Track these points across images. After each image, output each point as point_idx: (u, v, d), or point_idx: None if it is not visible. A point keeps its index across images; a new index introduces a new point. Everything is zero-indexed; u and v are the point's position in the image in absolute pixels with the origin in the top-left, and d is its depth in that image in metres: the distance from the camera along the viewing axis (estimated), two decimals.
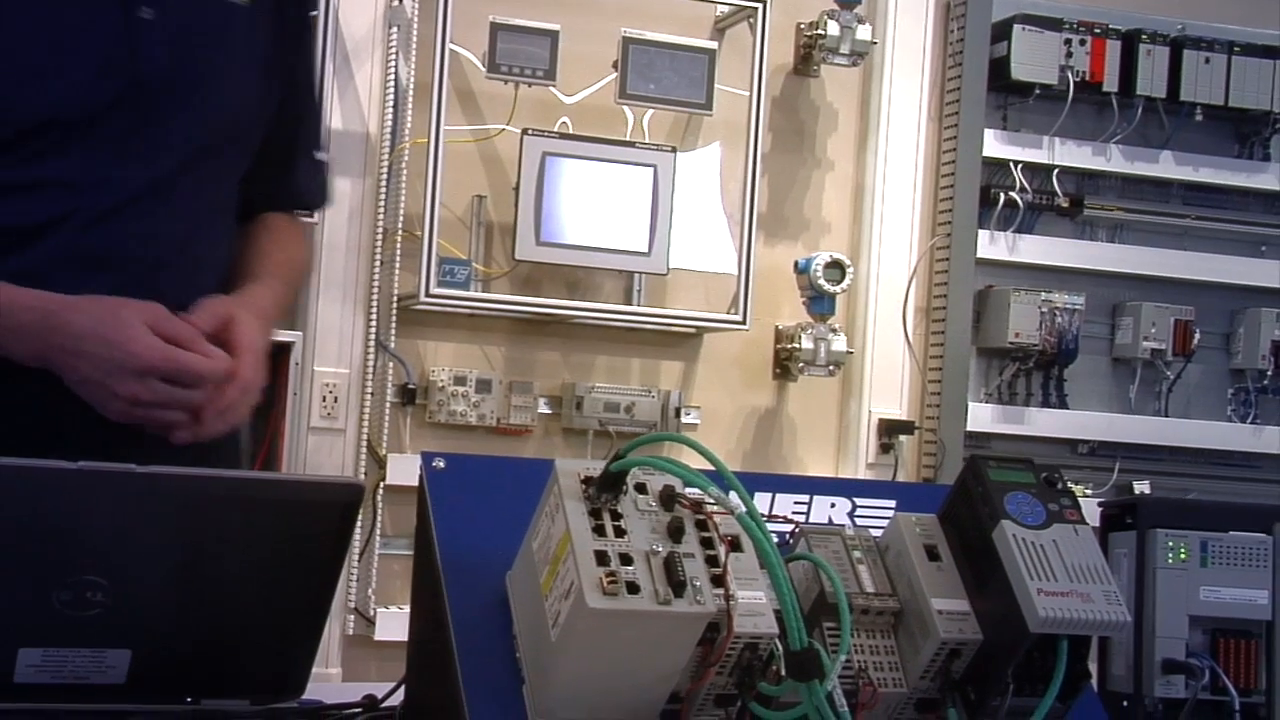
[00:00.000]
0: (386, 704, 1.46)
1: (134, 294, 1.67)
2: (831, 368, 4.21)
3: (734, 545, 1.27)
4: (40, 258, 1.69)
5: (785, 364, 4.27)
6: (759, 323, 4.20)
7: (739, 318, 4.10)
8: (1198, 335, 4.54)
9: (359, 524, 3.84)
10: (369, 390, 3.94)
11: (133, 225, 1.73)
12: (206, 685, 1.38)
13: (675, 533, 1.25)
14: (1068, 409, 4.49)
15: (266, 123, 1.88)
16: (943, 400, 4.34)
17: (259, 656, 1.39)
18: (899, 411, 4.35)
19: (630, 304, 4.19)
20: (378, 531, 3.95)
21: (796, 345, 4.19)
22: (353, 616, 3.93)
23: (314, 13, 1.97)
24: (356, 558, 3.91)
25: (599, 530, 1.24)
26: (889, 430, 4.31)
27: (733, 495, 1.24)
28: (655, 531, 1.25)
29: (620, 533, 1.25)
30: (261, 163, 1.90)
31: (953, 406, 4.33)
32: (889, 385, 4.35)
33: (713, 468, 1.26)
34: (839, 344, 4.19)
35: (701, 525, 1.27)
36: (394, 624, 3.85)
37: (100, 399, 1.62)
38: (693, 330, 4.26)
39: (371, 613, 3.93)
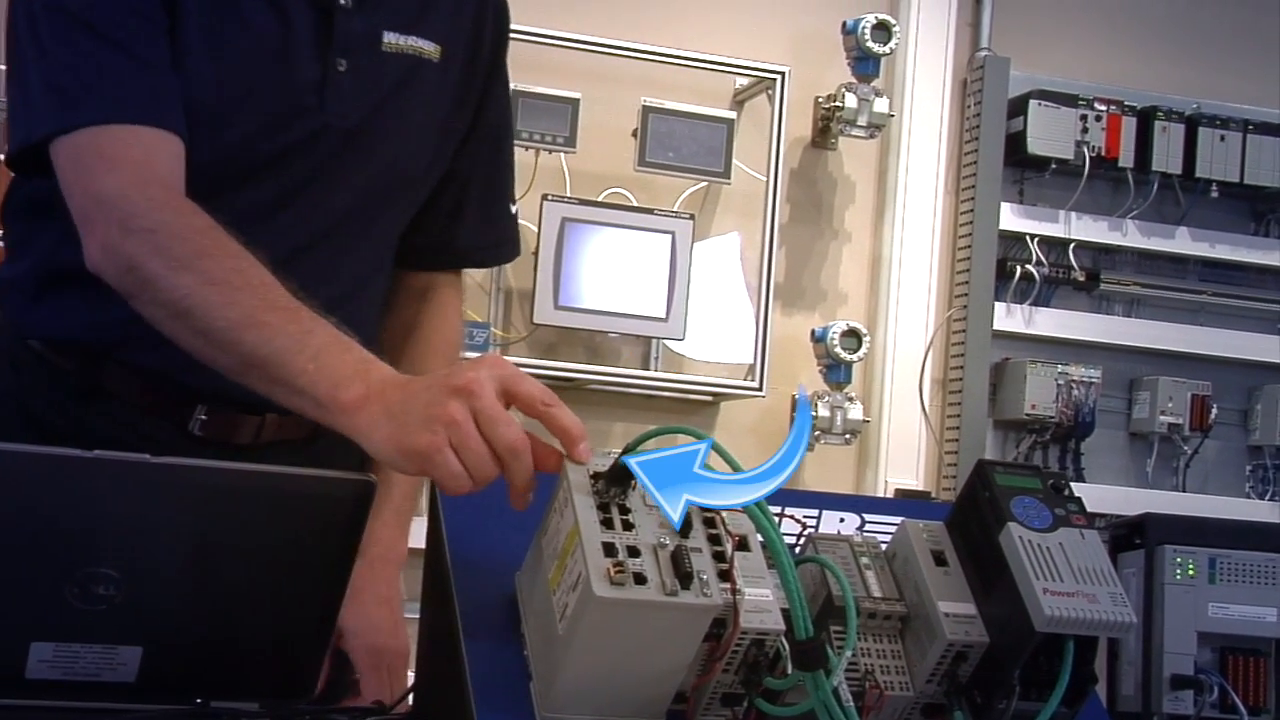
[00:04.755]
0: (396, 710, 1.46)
1: None
2: (848, 436, 4.21)
3: (741, 544, 1.28)
4: None
5: None
6: (776, 391, 4.22)
7: (756, 385, 4.12)
8: (1215, 411, 4.54)
9: None
10: None
11: (291, 279, 1.70)
12: (216, 686, 1.38)
13: (683, 527, 1.26)
14: (1085, 482, 4.48)
15: (435, 178, 1.87)
16: (959, 471, 4.33)
17: (268, 656, 1.39)
18: (915, 482, 4.35)
19: (648, 370, 4.21)
20: None
21: (813, 414, 4.20)
22: None
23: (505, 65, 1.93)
24: None
25: (607, 523, 1.25)
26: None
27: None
28: (663, 526, 1.26)
29: (628, 526, 1.26)
30: (456, 214, 1.90)
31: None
32: (905, 455, 4.35)
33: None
34: (855, 413, 4.20)
35: (709, 522, 1.28)
36: None
37: (403, 431, 1.31)
38: (710, 398, 4.28)
39: None
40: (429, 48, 1.79)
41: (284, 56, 1.71)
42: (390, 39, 1.76)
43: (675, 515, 1.23)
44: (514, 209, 1.99)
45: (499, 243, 1.99)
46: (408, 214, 1.86)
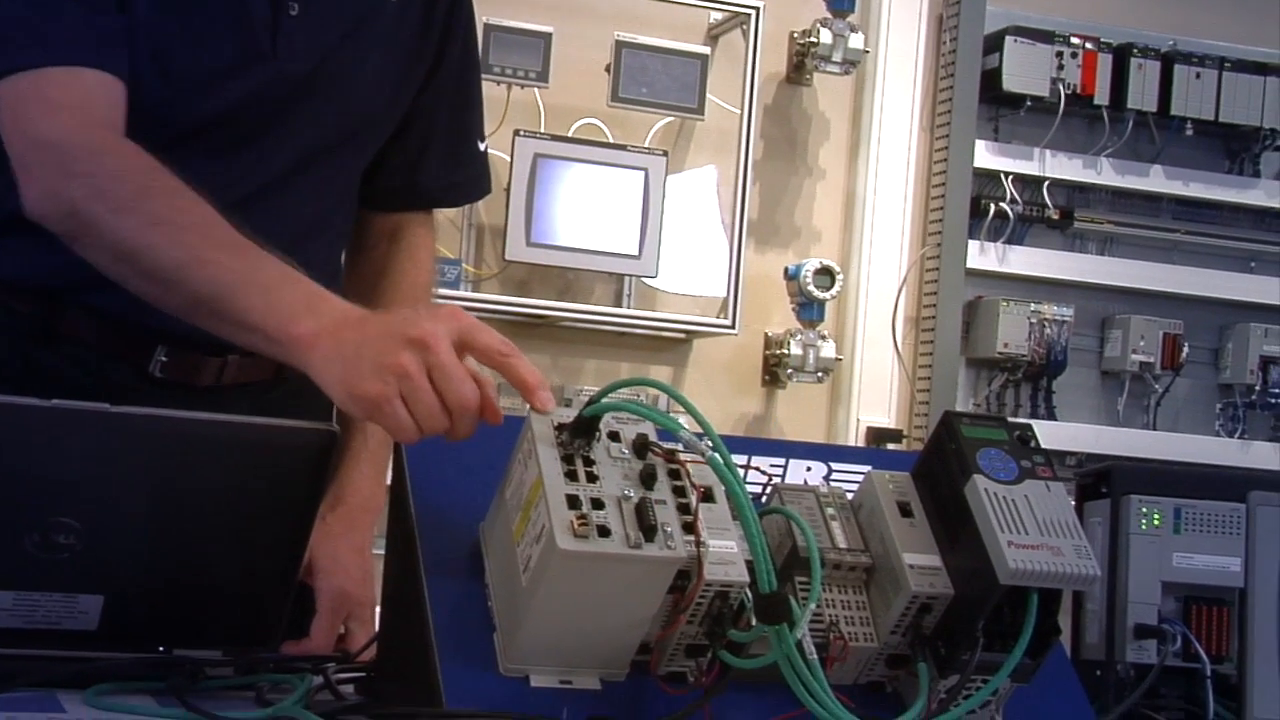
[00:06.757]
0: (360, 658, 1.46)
1: None
2: (820, 374, 4.21)
3: (706, 495, 1.28)
4: None
5: (774, 370, 4.28)
6: (749, 329, 4.22)
7: (729, 323, 4.11)
8: (1186, 349, 4.55)
9: None
10: None
11: (244, 223, 1.69)
12: (178, 634, 1.38)
13: (647, 479, 1.26)
14: (1056, 420, 4.50)
15: (395, 120, 1.84)
16: (931, 409, 4.34)
17: (231, 605, 1.39)
18: (887, 420, 4.36)
19: (621, 307, 4.20)
20: None
21: (785, 351, 4.20)
22: None
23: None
24: None
25: (571, 475, 1.25)
26: (877, 438, 4.31)
27: (705, 440, 1.25)
28: (627, 478, 1.26)
29: (592, 478, 1.25)
30: (422, 153, 1.88)
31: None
32: (877, 393, 4.36)
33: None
34: (828, 351, 4.20)
35: (674, 474, 1.28)
36: None
37: (356, 376, 1.29)
38: (682, 335, 4.27)
39: None
40: None
41: (235, 2, 1.68)
42: None
43: None
44: (483, 146, 1.96)
45: (467, 181, 1.97)
46: (367, 155, 1.84)
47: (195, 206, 1.49)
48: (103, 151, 1.56)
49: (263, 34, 1.69)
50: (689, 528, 1.24)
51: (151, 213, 1.50)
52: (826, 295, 4.15)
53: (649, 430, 1.29)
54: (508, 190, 3.93)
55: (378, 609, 1.52)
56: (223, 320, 1.44)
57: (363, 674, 1.42)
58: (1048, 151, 4.48)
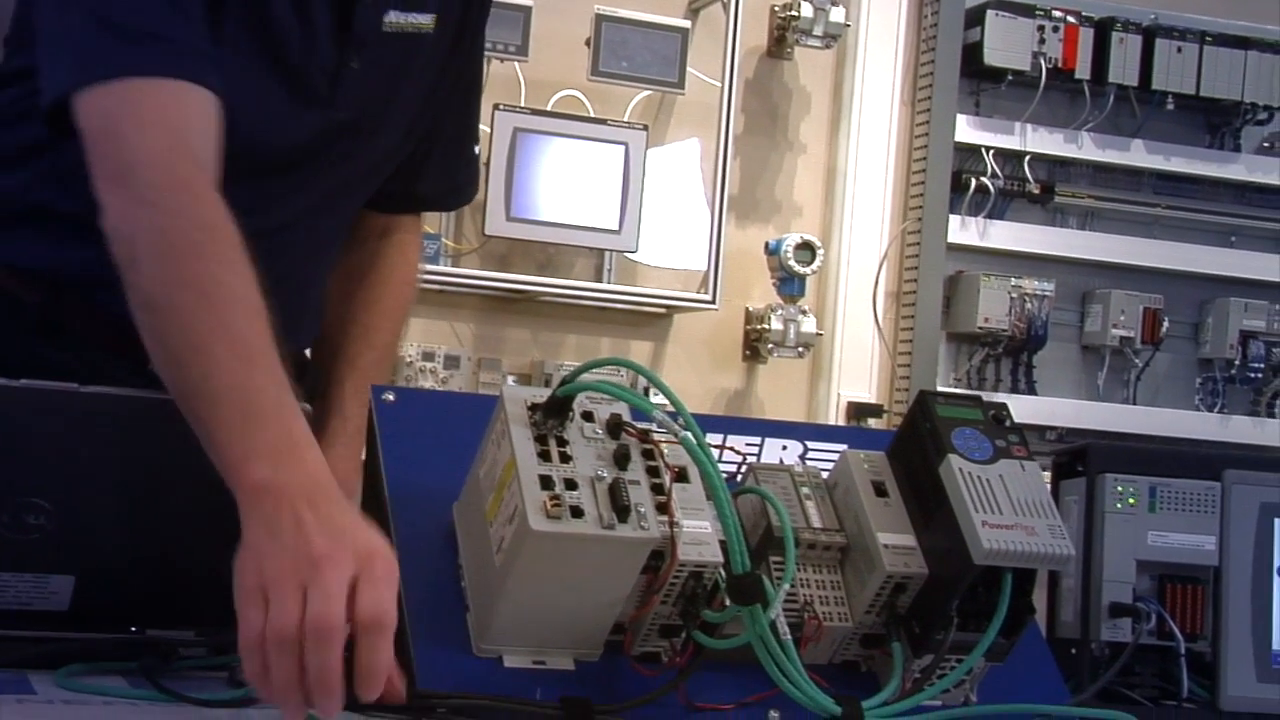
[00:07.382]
0: None
1: None
2: (801, 349, 4.22)
3: (680, 476, 1.28)
4: None
5: (755, 345, 4.28)
6: (729, 304, 4.21)
7: (709, 298, 4.11)
8: (1166, 324, 4.56)
9: None
10: None
11: (262, 254, 1.66)
12: (151, 615, 1.37)
13: (621, 460, 1.26)
14: (1036, 395, 4.51)
15: (414, 141, 1.83)
16: (912, 384, 4.34)
17: (204, 585, 1.37)
18: (868, 395, 4.36)
19: (601, 282, 4.19)
20: None
21: (766, 326, 4.20)
22: None
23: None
24: None
25: (544, 456, 1.24)
26: (857, 413, 4.31)
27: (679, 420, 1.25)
28: (601, 458, 1.26)
29: (566, 458, 1.25)
30: (422, 163, 1.86)
31: None
32: (858, 368, 4.36)
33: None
34: (808, 326, 4.20)
35: (648, 454, 1.28)
36: None
37: (252, 559, 1.19)
38: (663, 310, 4.26)
39: None
40: (425, 20, 1.72)
41: (302, 55, 1.65)
42: (391, 17, 1.69)
43: None
44: (476, 149, 1.97)
45: (460, 186, 1.97)
46: (374, 188, 1.84)
47: (234, 280, 1.36)
48: (182, 190, 1.43)
49: (322, 83, 1.67)
50: (662, 508, 1.24)
51: (190, 274, 1.37)
52: (807, 270, 4.15)
53: (623, 410, 1.29)
54: (487, 165, 3.91)
55: None
56: (194, 419, 1.31)
57: None
58: (1029, 126, 4.48)
